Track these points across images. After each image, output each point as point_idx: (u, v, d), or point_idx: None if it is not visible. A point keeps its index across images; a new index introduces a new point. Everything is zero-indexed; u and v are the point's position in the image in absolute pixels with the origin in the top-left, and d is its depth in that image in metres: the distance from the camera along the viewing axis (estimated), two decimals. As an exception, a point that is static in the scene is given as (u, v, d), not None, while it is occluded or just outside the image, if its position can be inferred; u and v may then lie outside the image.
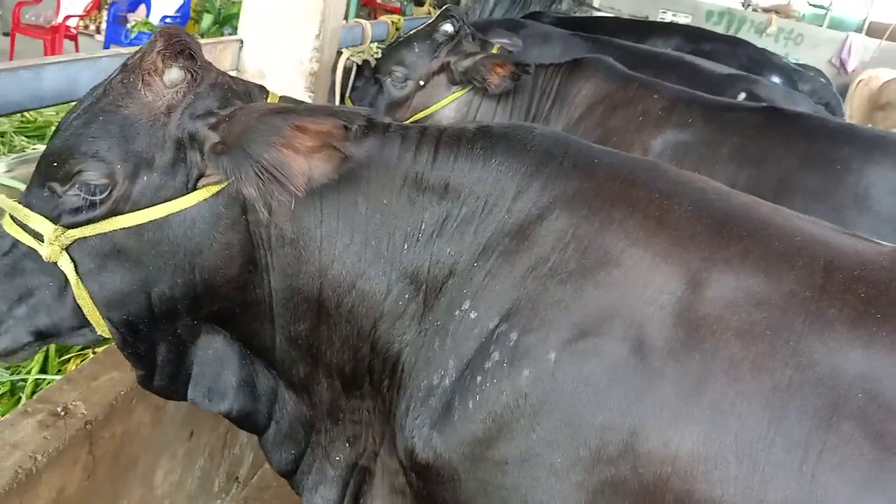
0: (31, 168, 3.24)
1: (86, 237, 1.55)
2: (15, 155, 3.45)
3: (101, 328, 1.66)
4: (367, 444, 1.92)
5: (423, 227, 1.67)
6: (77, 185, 1.53)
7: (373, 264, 1.68)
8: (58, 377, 2.26)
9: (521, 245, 1.57)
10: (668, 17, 12.03)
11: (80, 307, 1.60)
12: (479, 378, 1.50)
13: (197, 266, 1.62)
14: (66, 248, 1.55)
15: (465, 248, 1.64)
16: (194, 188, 1.58)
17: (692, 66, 4.06)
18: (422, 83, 3.37)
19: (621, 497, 1.37)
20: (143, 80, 1.56)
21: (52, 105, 2.07)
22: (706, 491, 1.29)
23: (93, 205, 1.54)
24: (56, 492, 1.93)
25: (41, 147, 3.49)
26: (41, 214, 1.55)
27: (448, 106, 3.37)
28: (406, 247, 1.67)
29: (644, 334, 1.40)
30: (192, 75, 1.56)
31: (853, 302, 1.37)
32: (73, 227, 1.54)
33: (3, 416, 2.19)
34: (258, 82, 2.89)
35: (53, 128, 4.23)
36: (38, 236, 1.55)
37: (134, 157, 1.54)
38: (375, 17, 6.19)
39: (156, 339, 1.75)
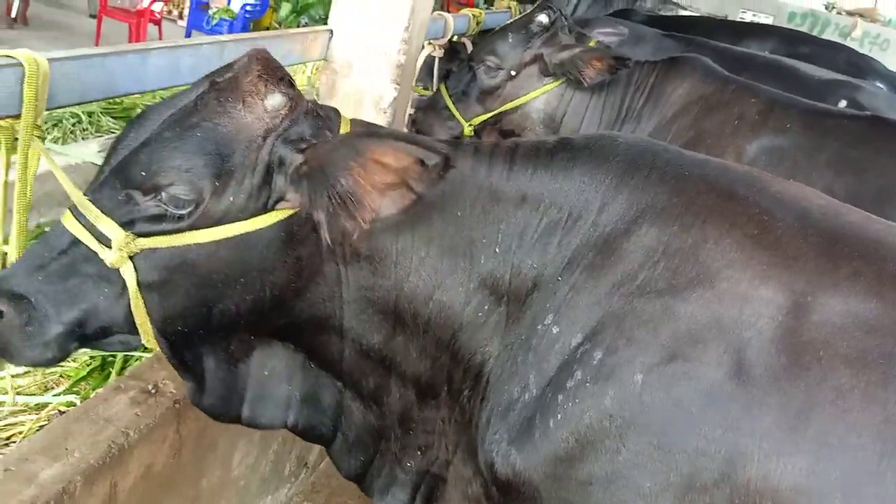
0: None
1: (155, 248, 1.50)
2: (107, 136, 3.57)
3: (149, 338, 1.59)
4: (440, 453, 1.90)
5: (499, 238, 1.65)
6: (162, 198, 1.50)
7: (449, 276, 1.67)
8: (147, 354, 2.32)
9: (607, 260, 1.53)
10: (748, 17, 11.67)
11: (132, 316, 1.54)
12: (560, 397, 1.46)
13: (268, 283, 1.59)
14: (132, 257, 1.50)
15: (548, 260, 1.61)
16: (273, 209, 1.56)
17: (791, 69, 3.93)
18: (513, 73, 3.34)
19: None
20: (244, 101, 1.55)
21: (155, 90, 2.11)
22: None
23: (174, 218, 1.51)
24: (145, 468, 1.99)
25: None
26: (111, 217, 1.50)
27: (538, 98, 3.34)
28: (483, 258, 1.66)
29: (742, 359, 1.34)
30: (292, 102, 1.57)
31: None
32: (144, 237, 1.50)
33: (94, 389, 2.27)
34: (346, 72, 2.93)
35: (138, 110, 4.39)
36: (105, 240, 1.49)
37: (225, 177, 1.52)
38: (449, 11, 6.17)
39: (208, 352, 1.70)
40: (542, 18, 3.31)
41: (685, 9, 9.13)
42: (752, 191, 1.56)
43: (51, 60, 1.67)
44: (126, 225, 1.51)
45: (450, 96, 3.50)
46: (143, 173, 1.50)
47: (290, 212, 1.56)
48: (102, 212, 1.50)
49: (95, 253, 1.50)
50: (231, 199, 1.53)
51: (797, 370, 1.31)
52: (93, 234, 1.50)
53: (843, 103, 3.60)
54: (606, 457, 1.40)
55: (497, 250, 1.65)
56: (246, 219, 1.54)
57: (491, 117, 3.42)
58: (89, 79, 1.83)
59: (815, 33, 11.67)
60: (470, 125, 3.45)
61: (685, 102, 3.06)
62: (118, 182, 1.53)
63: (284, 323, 1.72)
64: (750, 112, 2.89)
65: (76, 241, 1.52)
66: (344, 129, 1.67)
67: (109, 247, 1.49)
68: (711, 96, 3.01)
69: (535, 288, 1.62)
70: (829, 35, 11.77)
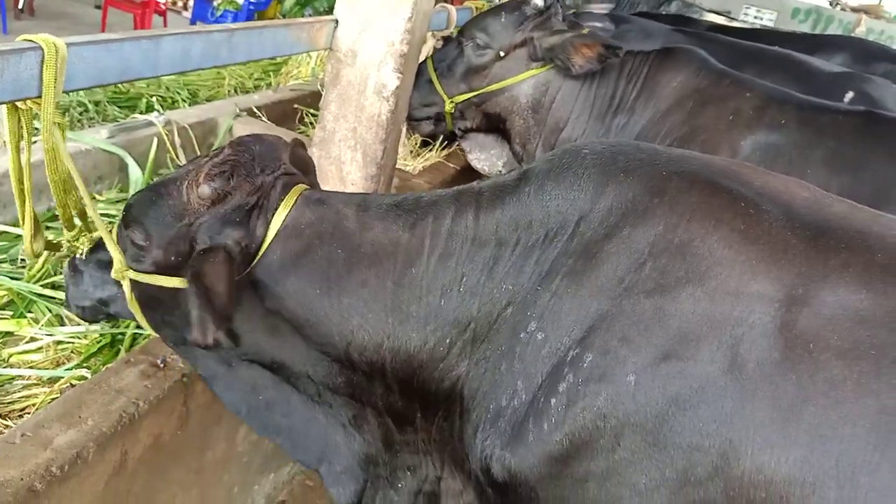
0: (131, 135, 3.41)
1: (136, 279, 1.85)
2: (116, 123, 3.64)
3: (154, 333, 1.99)
4: (429, 470, 1.95)
5: (463, 280, 1.68)
6: (126, 239, 1.86)
7: (400, 327, 1.72)
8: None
9: (588, 264, 1.53)
10: (751, 13, 11.66)
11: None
12: (553, 400, 1.48)
13: None
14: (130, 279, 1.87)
15: (524, 279, 1.63)
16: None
17: (800, 63, 3.88)
18: (502, 54, 3.28)
19: None
20: (187, 183, 1.79)
21: (167, 74, 2.18)
22: None
23: (139, 258, 1.85)
24: (154, 438, 2.07)
25: (139, 117, 3.67)
26: (122, 248, 1.88)
27: (526, 82, 3.28)
28: (443, 302, 1.69)
29: (734, 355, 1.35)
30: (218, 196, 1.75)
31: None
32: (132, 269, 1.86)
33: (104, 364, 2.34)
34: (350, 61, 2.99)
35: (144, 100, 4.42)
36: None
37: (164, 237, 1.78)
38: (452, 4, 6.21)
39: (206, 361, 1.97)
40: (538, 1, 3.26)
41: (700, 7, 9.05)
42: (735, 185, 1.55)
43: (69, 45, 1.74)
44: (127, 256, 1.89)
45: (435, 70, 3.46)
46: (127, 217, 1.86)
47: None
48: (119, 242, 1.88)
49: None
50: (171, 256, 1.79)
51: (789, 363, 1.32)
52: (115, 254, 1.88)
53: (849, 95, 3.56)
54: (601, 456, 1.42)
55: (461, 290, 1.68)
56: (173, 275, 1.79)
57: (475, 96, 3.37)
58: (105, 63, 1.90)
59: (818, 30, 11.65)
60: (452, 102, 3.41)
61: (679, 96, 3.02)
62: (124, 223, 1.88)
63: (258, 360, 1.88)
64: (745, 107, 2.88)
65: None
66: (283, 212, 1.76)
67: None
68: (706, 90, 2.99)
69: (510, 305, 1.64)
70: (833, 31, 11.73)
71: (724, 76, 3.04)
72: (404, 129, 4.27)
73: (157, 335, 2.02)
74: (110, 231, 1.88)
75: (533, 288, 1.60)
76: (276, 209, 1.76)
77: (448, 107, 3.44)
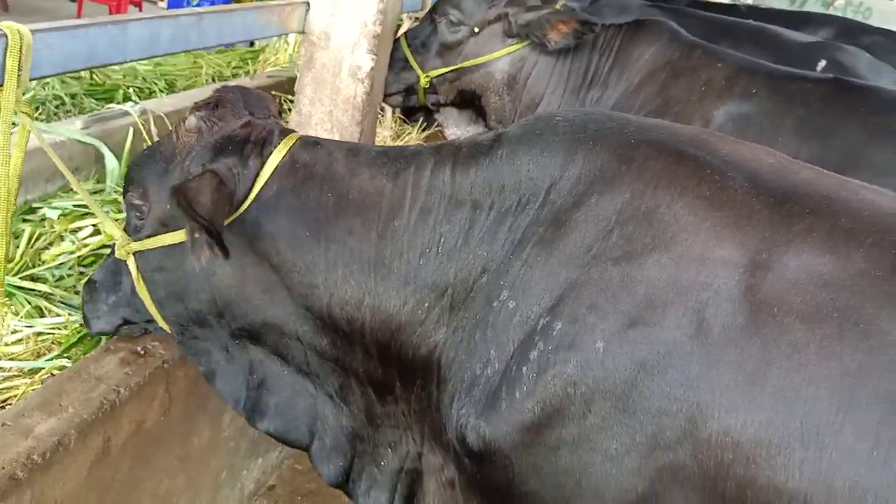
0: (106, 126, 3.39)
1: (140, 250, 1.88)
2: (90, 114, 3.61)
3: (161, 323, 1.99)
4: (409, 446, 1.97)
5: (441, 241, 1.70)
6: (128, 205, 1.89)
7: (381, 283, 1.74)
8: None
9: (557, 232, 1.55)
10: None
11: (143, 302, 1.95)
12: (524, 368, 1.49)
13: (213, 286, 1.84)
14: (135, 254, 1.90)
15: (497, 247, 1.65)
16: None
17: (774, 35, 3.92)
18: (476, 30, 3.28)
19: (680, 483, 1.36)
20: (175, 127, 1.84)
21: (135, 60, 2.17)
22: (770, 477, 1.28)
23: (139, 224, 1.88)
24: (136, 424, 2.07)
25: (114, 107, 3.64)
26: (128, 224, 1.92)
27: (502, 59, 3.28)
28: (422, 262, 1.72)
29: (700, 320, 1.37)
30: (205, 124, 1.79)
31: None
32: (133, 241, 1.89)
33: (85, 354, 2.34)
34: (323, 44, 2.98)
35: (121, 91, 4.37)
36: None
37: (161, 186, 1.80)
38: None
39: (204, 344, 1.98)
40: None
41: None
42: (701, 153, 1.56)
43: (34, 31, 1.74)
44: (129, 230, 1.92)
45: (409, 46, 3.45)
46: (126, 186, 1.89)
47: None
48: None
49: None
50: (162, 203, 1.81)
51: (754, 327, 1.34)
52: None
53: (822, 64, 3.59)
54: (573, 422, 1.44)
55: (439, 251, 1.70)
56: (176, 230, 1.80)
57: (450, 72, 3.37)
58: (71, 49, 1.90)
59: (797, 4, 11.66)
60: (427, 76, 3.41)
61: (651, 69, 3.04)
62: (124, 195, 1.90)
63: (250, 322, 1.88)
64: (717, 78, 2.90)
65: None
66: (283, 149, 1.81)
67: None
68: (678, 62, 3.01)
69: (484, 272, 1.66)
70: (812, 5, 11.76)
71: (695, 47, 3.06)
72: (389, 112, 4.27)
73: (167, 328, 2.00)
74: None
75: (506, 256, 1.62)
76: (275, 148, 1.81)
77: (423, 81, 3.44)
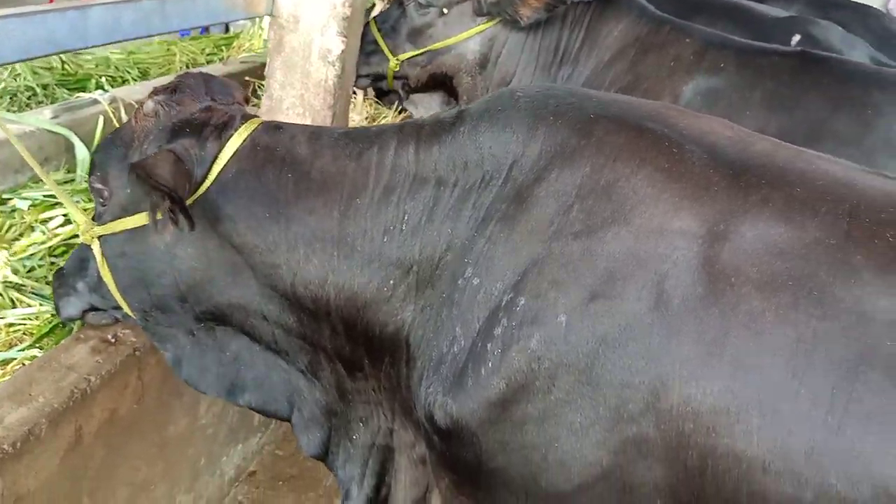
0: (76, 115, 3.35)
1: (105, 236, 1.89)
2: (60, 103, 3.57)
3: (126, 309, 1.98)
4: (381, 422, 1.98)
5: (405, 218, 1.70)
6: (92, 190, 1.91)
7: (345, 261, 1.74)
8: (107, 309, 2.39)
9: (519, 208, 1.56)
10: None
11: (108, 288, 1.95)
12: (489, 345, 1.50)
13: (177, 270, 1.84)
14: (100, 240, 1.91)
15: (462, 224, 1.65)
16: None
17: (746, 9, 3.92)
18: (445, 11, 3.23)
19: (644, 455, 1.37)
20: (134, 112, 1.84)
21: (97, 45, 2.15)
22: (729, 445, 1.29)
23: (102, 209, 1.89)
24: (109, 412, 2.07)
25: (83, 95, 3.60)
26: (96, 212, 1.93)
27: (472, 39, 3.24)
28: (386, 239, 1.72)
29: (659, 292, 1.38)
30: (163, 108, 1.80)
31: (881, 247, 1.33)
32: (97, 226, 1.91)
33: (57, 344, 2.33)
34: (292, 27, 2.95)
35: (93, 80, 4.32)
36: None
37: (121, 170, 1.81)
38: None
39: (169, 330, 1.98)
40: None
41: None
42: (660, 126, 1.57)
43: (-9, 18, 1.71)
44: (97, 216, 1.93)
45: (379, 31, 3.41)
46: (90, 166, 1.92)
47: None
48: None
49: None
50: (129, 191, 1.81)
51: (712, 298, 1.35)
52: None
53: (796, 38, 3.60)
54: (538, 397, 1.45)
55: (403, 228, 1.71)
56: (136, 213, 1.81)
57: (421, 54, 3.35)
58: (32, 35, 1.88)
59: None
60: (398, 60, 3.38)
61: (621, 45, 3.04)
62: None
63: (214, 306, 1.88)
64: (685, 53, 2.91)
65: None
66: (244, 132, 1.81)
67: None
68: (647, 38, 3.01)
69: (450, 249, 1.67)
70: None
71: (663, 23, 3.06)
72: (361, 95, 4.24)
73: (132, 314, 2.00)
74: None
75: (470, 233, 1.63)
76: (235, 131, 1.81)
77: (392, 64, 3.41)
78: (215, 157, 1.78)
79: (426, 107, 3.63)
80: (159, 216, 1.66)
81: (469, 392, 1.53)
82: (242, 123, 1.84)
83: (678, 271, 1.39)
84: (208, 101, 1.87)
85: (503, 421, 1.50)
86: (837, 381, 1.25)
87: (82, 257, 2.04)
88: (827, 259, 1.34)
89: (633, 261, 1.42)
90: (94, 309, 2.09)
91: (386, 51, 3.41)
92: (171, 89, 1.82)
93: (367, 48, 3.39)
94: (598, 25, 3.14)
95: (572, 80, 3.16)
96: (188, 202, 1.72)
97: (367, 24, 3.44)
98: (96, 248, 1.92)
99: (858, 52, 3.68)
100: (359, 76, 3.46)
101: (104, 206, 1.89)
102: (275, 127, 1.87)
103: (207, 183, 1.77)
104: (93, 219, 1.97)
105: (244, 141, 1.80)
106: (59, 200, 2.90)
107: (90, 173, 1.91)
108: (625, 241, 1.44)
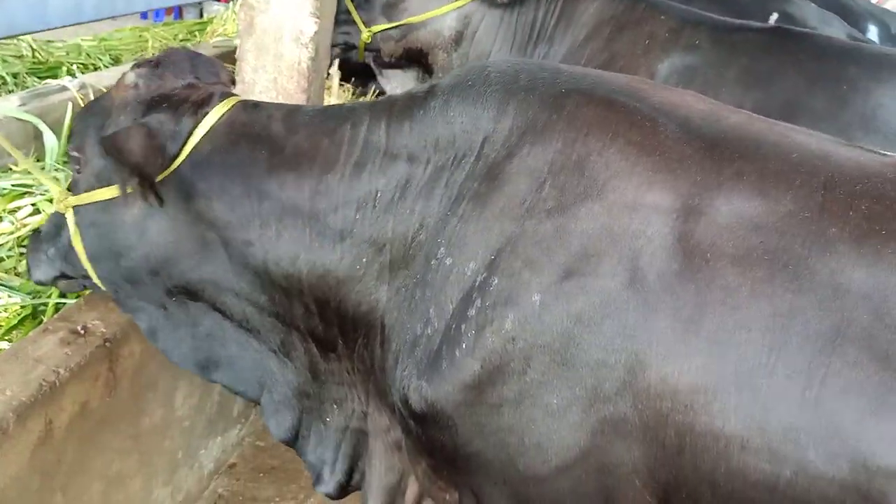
0: (44, 102, 3.28)
1: (78, 205, 1.87)
2: (27, 90, 3.49)
3: (95, 279, 1.97)
4: (355, 404, 1.96)
5: (378, 196, 1.68)
6: (69, 158, 1.89)
7: (317, 238, 1.72)
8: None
9: (491, 186, 1.53)
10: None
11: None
12: (463, 326, 1.48)
13: (149, 244, 1.82)
14: (74, 209, 1.89)
15: (434, 203, 1.63)
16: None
17: None
18: None
19: (622, 435, 1.36)
20: (115, 83, 1.83)
21: (59, 27, 2.09)
22: (707, 423, 1.28)
23: (77, 178, 1.88)
24: (80, 405, 2.03)
25: (51, 82, 3.52)
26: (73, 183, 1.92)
27: (448, 14, 3.21)
28: (358, 216, 1.69)
29: (634, 269, 1.36)
30: (143, 81, 1.80)
31: (856, 219, 1.32)
32: (71, 196, 1.90)
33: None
34: (263, 7, 2.89)
35: (64, 68, 4.24)
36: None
37: (97, 140, 1.78)
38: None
39: (139, 303, 1.97)
40: None
41: None
42: (632, 100, 1.55)
43: (-57, 0, 1.66)
44: (73, 185, 1.91)
45: (352, 1, 3.36)
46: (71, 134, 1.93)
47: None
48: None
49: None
50: (103, 162, 1.79)
51: (687, 273, 1.34)
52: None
53: (774, 17, 3.60)
54: (513, 379, 1.43)
55: (376, 206, 1.68)
56: (109, 185, 1.80)
57: (394, 28, 3.30)
58: (-12, 19, 1.82)
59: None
60: (370, 31, 3.33)
61: (596, 23, 3.02)
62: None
63: (188, 280, 1.86)
64: (660, 31, 2.89)
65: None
66: (221, 110, 1.80)
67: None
68: (622, 15, 2.99)
69: (423, 229, 1.64)
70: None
71: (638, 1, 3.03)
72: (336, 78, 4.18)
73: (102, 285, 1.99)
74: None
75: (443, 212, 1.60)
76: (212, 109, 1.80)
77: (365, 36, 3.36)
78: (190, 133, 1.76)
79: (401, 84, 3.58)
80: (129, 190, 1.66)
81: (444, 375, 1.51)
82: (220, 101, 1.82)
83: (653, 247, 1.37)
84: (191, 78, 1.86)
85: (479, 404, 1.48)
86: (814, 355, 1.24)
87: (57, 223, 2.01)
88: (802, 232, 1.32)
89: (607, 237, 1.40)
90: (65, 277, 2.08)
91: (358, 22, 3.36)
92: (155, 63, 1.83)
93: (339, 17, 3.29)
94: (574, 4, 3.12)
95: (548, 59, 3.13)
96: (160, 177, 1.71)
97: None
98: (70, 217, 1.90)
99: (835, 28, 3.68)
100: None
101: (79, 174, 1.88)
102: (252, 105, 1.86)
103: (181, 158, 1.75)
104: (69, 188, 1.97)
105: (220, 118, 1.78)
106: (28, 190, 2.84)
107: (69, 142, 1.90)
108: (598, 217, 1.42)
